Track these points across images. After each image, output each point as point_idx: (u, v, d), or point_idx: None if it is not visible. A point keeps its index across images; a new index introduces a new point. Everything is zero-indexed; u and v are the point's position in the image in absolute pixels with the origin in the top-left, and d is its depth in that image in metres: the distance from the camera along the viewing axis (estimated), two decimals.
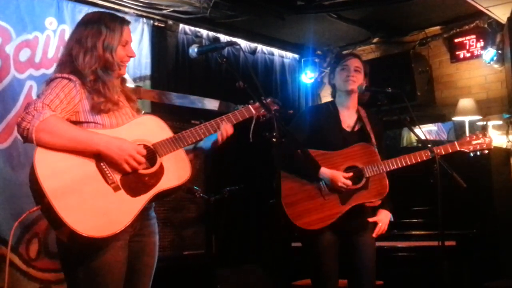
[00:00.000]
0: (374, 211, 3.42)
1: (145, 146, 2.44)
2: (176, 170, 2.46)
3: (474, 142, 3.29)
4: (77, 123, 2.37)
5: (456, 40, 5.72)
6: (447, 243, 3.53)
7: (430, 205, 4.37)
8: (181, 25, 5.39)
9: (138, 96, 4.17)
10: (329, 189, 3.24)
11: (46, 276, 4.11)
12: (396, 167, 3.26)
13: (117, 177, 2.33)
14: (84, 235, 2.17)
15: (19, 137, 4.09)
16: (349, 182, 3.21)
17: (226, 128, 2.61)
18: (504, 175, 5.05)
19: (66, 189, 2.19)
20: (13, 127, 4.06)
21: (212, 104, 4.66)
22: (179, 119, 4.25)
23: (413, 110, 3.68)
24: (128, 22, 2.57)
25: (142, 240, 2.50)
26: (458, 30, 5.69)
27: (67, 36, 4.38)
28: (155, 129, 2.50)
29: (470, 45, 5.62)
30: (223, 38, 5.66)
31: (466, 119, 5.34)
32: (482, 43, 5.53)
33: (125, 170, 2.33)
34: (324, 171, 3.21)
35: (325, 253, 3.26)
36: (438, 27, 5.85)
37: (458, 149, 3.28)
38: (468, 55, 5.65)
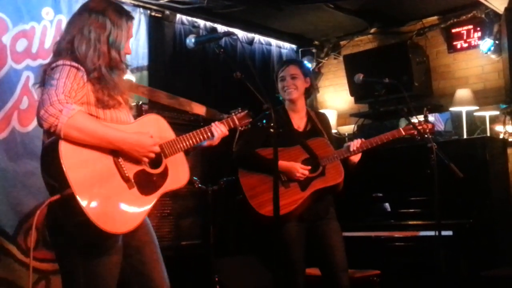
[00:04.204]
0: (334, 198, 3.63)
1: None
2: (177, 172, 2.52)
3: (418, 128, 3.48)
4: None
5: (453, 30, 5.71)
6: (443, 232, 3.56)
7: (427, 195, 4.39)
8: (178, 15, 5.37)
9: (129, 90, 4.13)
10: (288, 179, 3.43)
11: (45, 266, 4.11)
12: (345, 156, 3.48)
13: (131, 174, 2.34)
14: (104, 229, 2.18)
15: (17, 127, 4.08)
16: (306, 172, 3.43)
17: (222, 130, 2.75)
18: (501, 165, 5.07)
19: (87, 182, 2.20)
20: (11, 118, 4.06)
21: (199, 109, 4.66)
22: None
23: (410, 100, 3.70)
24: (133, 18, 2.51)
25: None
26: (455, 20, 5.67)
27: (64, 26, 4.37)
28: (160, 130, 2.53)
29: (467, 36, 5.62)
30: (221, 28, 5.64)
31: (463, 109, 5.35)
32: (479, 34, 5.53)
33: (142, 162, 2.37)
34: (282, 163, 3.39)
35: (293, 243, 3.42)
36: (435, 17, 5.84)
37: (404, 134, 3.52)
38: (465, 45, 5.65)
